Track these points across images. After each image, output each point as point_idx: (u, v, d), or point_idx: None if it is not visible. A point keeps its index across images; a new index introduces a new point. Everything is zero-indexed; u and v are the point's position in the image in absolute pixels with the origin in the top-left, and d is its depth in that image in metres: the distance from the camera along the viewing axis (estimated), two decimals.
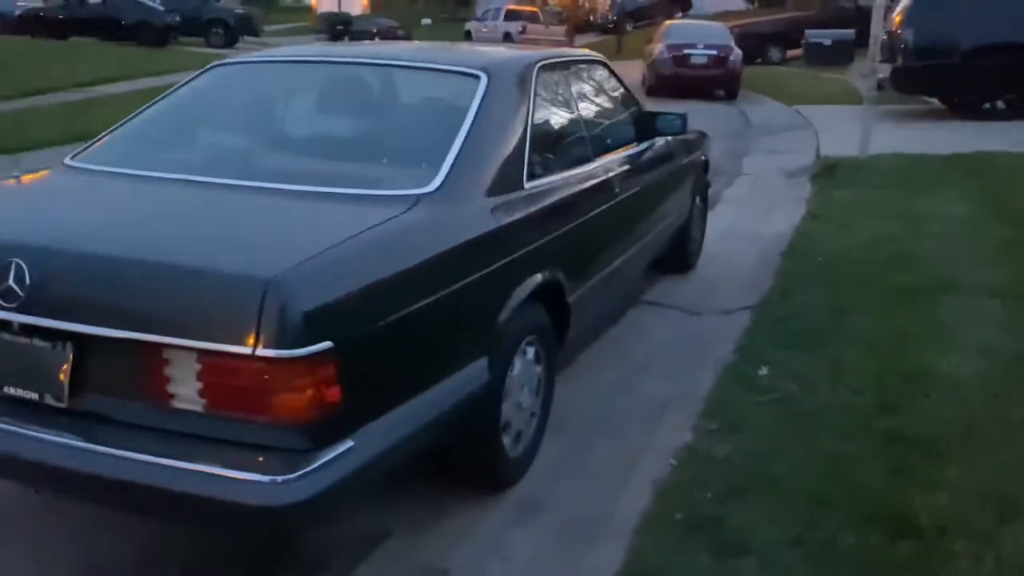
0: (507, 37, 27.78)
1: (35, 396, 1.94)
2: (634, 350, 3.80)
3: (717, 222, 6.20)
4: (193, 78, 3.06)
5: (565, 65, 3.33)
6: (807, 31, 18.30)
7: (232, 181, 2.33)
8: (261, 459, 1.76)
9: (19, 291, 1.88)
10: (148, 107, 2.92)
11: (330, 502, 1.83)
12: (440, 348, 2.16)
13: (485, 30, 29.31)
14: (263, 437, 1.79)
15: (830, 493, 2.37)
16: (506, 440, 2.62)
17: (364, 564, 2.32)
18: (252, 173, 2.36)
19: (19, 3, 22.01)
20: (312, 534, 2.42)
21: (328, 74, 3.03)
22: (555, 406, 3.21)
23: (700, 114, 12.95)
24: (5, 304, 1.89)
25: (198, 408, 1.81)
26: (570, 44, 30.80)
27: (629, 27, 30.90)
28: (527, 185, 2.66)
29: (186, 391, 1.81)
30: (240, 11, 23.62)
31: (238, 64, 3.07)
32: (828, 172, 7.27)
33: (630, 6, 33.25)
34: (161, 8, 21.25)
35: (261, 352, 1.71)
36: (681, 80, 14.77)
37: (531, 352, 2.71)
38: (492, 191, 2.47)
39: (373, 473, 1.95)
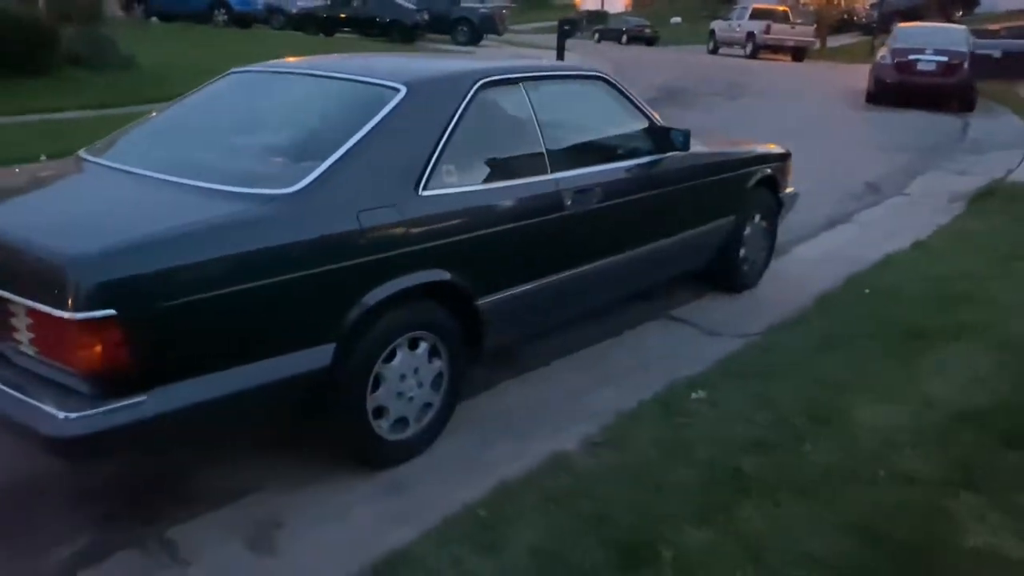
0: (750, 37, 26.87)
1: None
2: (612, 363, 3.83)
3: (827, 243, 5.94)
4: (211, 81, 3.59)
5: (529, 80, 3.46)
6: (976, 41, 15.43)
7: (152, 173, 2.76)
8: (59, 398, 2.20)
9: None
10: (167, 107, 3.49)
11: (109, 442, 2.23)
12: (260, 329, 2.46)
13: (737, 29, 28.52)
14: (70, 382, 2.23)
15: (609, 517, 2.39)
16: (382, 424, 2.88)
17: (224, 509, 2.70)
18: (172, 168, 2.77)
19: (298, 2, 24.90)
20: (196, 478, 2.85)
21: (282, 83, 3.41)
22: (495, 402, 3.43)
23: (911, 125, 12.11)
24: None
25: (31, 352, 2.29)
26: (820, 44, 29.16)
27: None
28: (424, 193, 2.88)
29: (24, 338, 2.29)
30: (484, 11, 24.98)
31: (241, 73, 3.54)
32: (982, 199, 6.56)
33: (899, 4, 30.78)
34: (413, 7, 23.09)
35: (55, 312, 2.13)
36: (904, 88, 13.66)
37: (423, 347, 2.94)
38: (368, 196, 2.72)
39: (166, 426, 2.31)
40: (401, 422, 2.95)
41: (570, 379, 3.67)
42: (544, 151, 3.38)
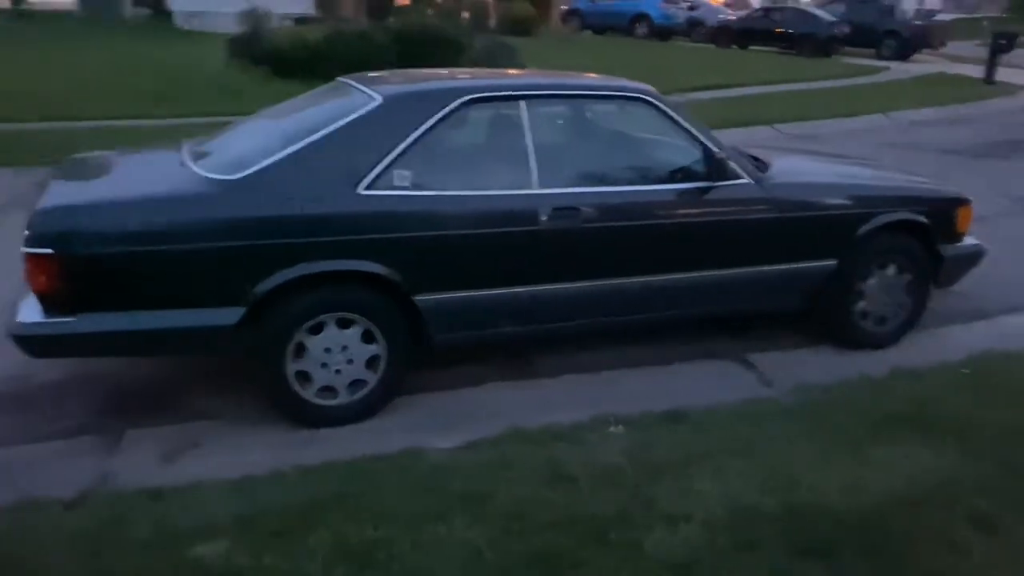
0: None
1: None
2: (615, 389, 3.71)
3: None
4: (324, 87, 4.28)
5: (535, 98, 3.53)
6: None
7: (186, 159, 3.47)
8: (28, 311, 3.07)
9: None
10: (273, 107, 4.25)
11: (46, 345, 3.05)
12: (173, 285, 3.05)
13: None
14: (39, 299, 3.08)
15: (366, 493, 2.58)
16: (306, 389, 3.32)
17: (175, 425, 3.36)
18: (198, 157, 3.44)
19: (719, 15, 25.10)
20: (181, 399, 3.60)
21: (342, 91, 3.78)
22: (466, 397, 3.66)
23: None
24: None
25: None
26: None
27: None
28: (364, 192, 3.23)
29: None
30: (919, 23, 22.58)
31: (338, 81, 4.08)
32: None
33: None
34: (831, 19, 21.85)
35: (23, 247, 2.99)
36: None
37: (355, 329, 3.31)
38: (297, 189, 3.16)
39: (88, 342, 3.06)
40: (328, 391, 3.36)
41: (555, 394, 3.68)
42: (531, 166, 3.45)
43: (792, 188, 3.88)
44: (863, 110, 13.19)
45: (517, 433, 3.13)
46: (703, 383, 3.82)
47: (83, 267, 3.00)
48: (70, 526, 2.48)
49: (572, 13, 26.25)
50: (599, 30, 25.55)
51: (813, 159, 4.94)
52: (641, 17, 24.33)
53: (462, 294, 3.41)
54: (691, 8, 25.63)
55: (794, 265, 3.91)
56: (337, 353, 3.32)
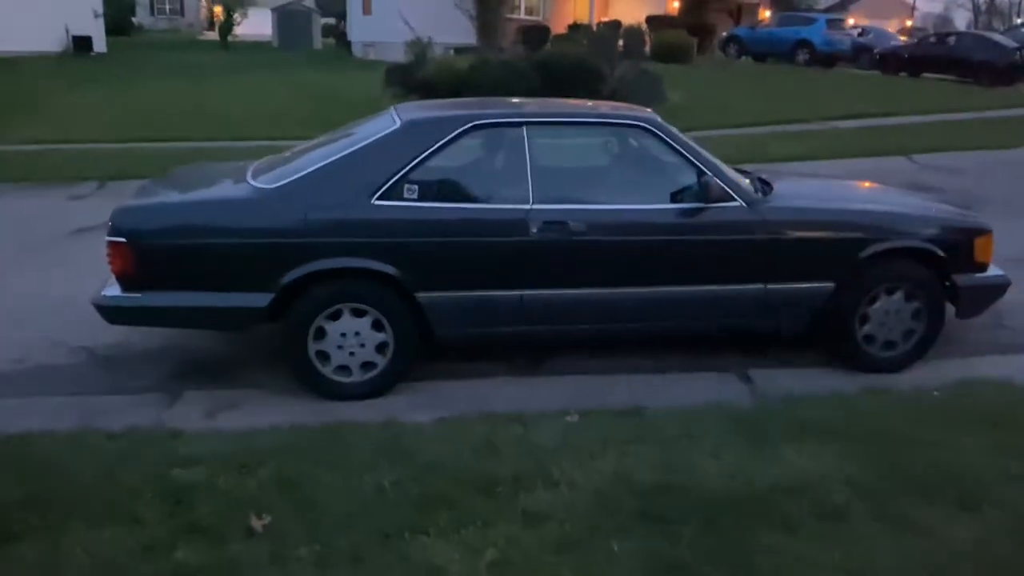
0: None
1: None
2: (601, 389, 4.04)
3: None
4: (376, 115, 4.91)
5: (537, 124, 3.98)
6: None
7: (248, 173, 4.17)
8: (110, 286, 3.87)
9: None
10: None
11: (119, 314, 3.83)
12: (220, 271, 3.74)
13: None
14: (117, 279, 3.88)
15: (332, 454, 3.06)
16: (325, 367, 3.93)
17: (223, 389, 4.07)
18: (258, 173, 4.14)
19: (892, 42, 24.05)
20: (241, 370, 4.30)
21: (384, 116, 4.35)
22: (469, 387, 4.14)
23: None
24: None
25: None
26: None
27: None
28: (377, 202, 3.80)
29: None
30: None
31: (392, 108, 4.70)
32: None
33: None
34: (1014, 45, 20.47)
35: (106, 236, 3.79)
36: None
37: (367, 318, 3.88)
38: (322, 197, 3.78)
39: (151, 314, 3.82)
40: (343, 369, 3.94)
41: (547, 391, 4.06)
42: (527, 184, 3.90)
43: (784, 211, 4.08)
44: (1020, 143, 12.48)
45: (483, 416, 3.57)
46: (691, 390, 4.06)
47: (148, 254, 3.76)
48: (105, 448, 3.19)
49: (731, 40, 26.07)
50: (759, 57, 25.22)
51: (828, 184, 5.03)
52: (803, 43, 23.79)
53: (459, 294, 3.90)
54: (860, 34, 24.75)
55: (786, 286, 4.09)
56: (351, 337, 3.90)
